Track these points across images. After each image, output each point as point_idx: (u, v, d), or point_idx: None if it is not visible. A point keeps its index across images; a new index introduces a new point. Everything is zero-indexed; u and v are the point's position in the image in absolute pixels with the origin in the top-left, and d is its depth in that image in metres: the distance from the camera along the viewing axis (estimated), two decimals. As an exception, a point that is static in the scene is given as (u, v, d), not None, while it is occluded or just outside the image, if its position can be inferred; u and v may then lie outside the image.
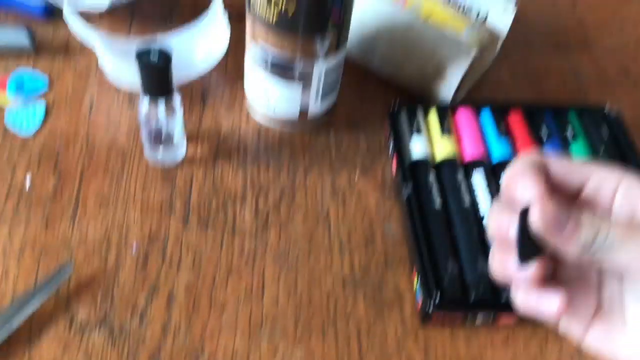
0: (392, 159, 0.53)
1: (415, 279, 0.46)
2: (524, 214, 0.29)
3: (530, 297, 0.30)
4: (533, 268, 0.29)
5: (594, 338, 0.30)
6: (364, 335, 0.44)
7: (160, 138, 0.50)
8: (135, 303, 0.44)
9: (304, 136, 0.56)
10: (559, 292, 0.29)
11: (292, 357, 0.43)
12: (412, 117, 0.54)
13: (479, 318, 0.44)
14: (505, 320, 0.45)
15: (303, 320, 0.45)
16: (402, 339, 0.44)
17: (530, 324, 0.46)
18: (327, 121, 0.57)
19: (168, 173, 0.52)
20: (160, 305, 0.44)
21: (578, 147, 0.54)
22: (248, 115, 0.57)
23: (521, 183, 0.29)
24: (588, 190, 0.30)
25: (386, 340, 0.44)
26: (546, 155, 0.30)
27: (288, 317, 0.45)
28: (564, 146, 0.54)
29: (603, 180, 0.29)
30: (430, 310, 0.43)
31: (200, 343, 0.43)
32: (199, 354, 0.42)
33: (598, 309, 0.31)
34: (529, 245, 0.29)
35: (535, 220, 0.28)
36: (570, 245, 0.27)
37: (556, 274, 0.31)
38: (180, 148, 0.52)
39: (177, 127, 0.50)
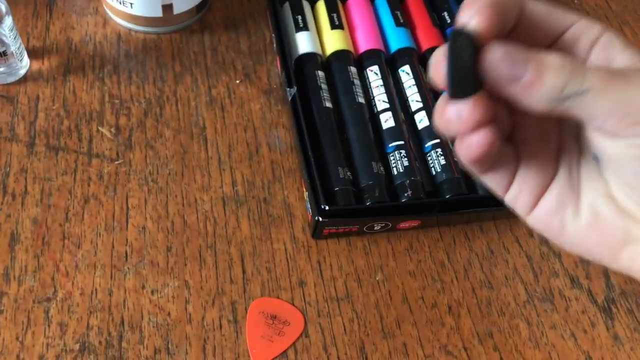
0: (277, 58, 0.46)
1: (305, 190, 0.40)
2: (457, 36, 0.22)
3: (463, 143, 0.23)
4: (467, 106, 0.22)
5: (541, 212, 0.25)
6: (248, 258, 0.39)
7: (-10, 51, 0.42)
8: (-31, 247, 0.37)
9: (173, 39, 0.48)
10: (486, 130, 0.23)
11: (164, 289, 0.37)
12: (297, 11, 0.47)
13: (378, 225, 0.39)
14: (407, 224, 0.40)
15: (176, 248, 0.38)
16: (293, 257, 0.39)
17: (436, 228, 0.41)
18: (201, 20, 0.49)
19: (7, 92, 0.43)
20: (2, 247, 0.37)
21: (484, 31, 0.48)
22: (105, 18, 0.48)
23: (468, 10, 0.22)
24: (565, 39, 0.24)
25: (274, 260, 0.39)
26: None
27: (158, 246, 0.38)
28: (468, 31, 0.48)
29: (583, 30, 0.24)
30: (320, 222, 0.38)
31: (52, 285, 0.36)
32: (51, 296, 0.36)
33: (552, 180, 0.25)
34: (464, 76, 0.22)
35: (485, 61, 0.21)
36: (530, 97, 0.21)
37: (511, 134, 0.26)
38: (20, 62, 0.44)
39: (9, 35, 0.42)
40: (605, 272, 0.40)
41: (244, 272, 0.38)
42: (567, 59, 0.22)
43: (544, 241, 0.41)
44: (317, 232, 0.39)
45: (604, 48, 0.24)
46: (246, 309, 0.37)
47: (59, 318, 0.35)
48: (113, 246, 0.38)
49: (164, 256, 0.38)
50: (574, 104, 0.21)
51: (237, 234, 0.39)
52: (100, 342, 0.35)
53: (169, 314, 0.36)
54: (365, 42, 0.46)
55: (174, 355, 0.35)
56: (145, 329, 0.35)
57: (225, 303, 0.37)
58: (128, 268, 0.37)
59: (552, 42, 0.25)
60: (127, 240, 0.38)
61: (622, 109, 0.21)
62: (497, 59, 0.22)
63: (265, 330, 0.36)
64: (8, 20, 0.41)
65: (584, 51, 0.24)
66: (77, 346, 0.35)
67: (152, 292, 0.37)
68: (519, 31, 0.24)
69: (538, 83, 0.21)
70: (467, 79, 0.22)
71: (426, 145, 0.42)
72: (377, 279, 0.39)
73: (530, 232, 0.41)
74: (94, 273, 0.37)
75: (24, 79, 0.44)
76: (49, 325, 0.35)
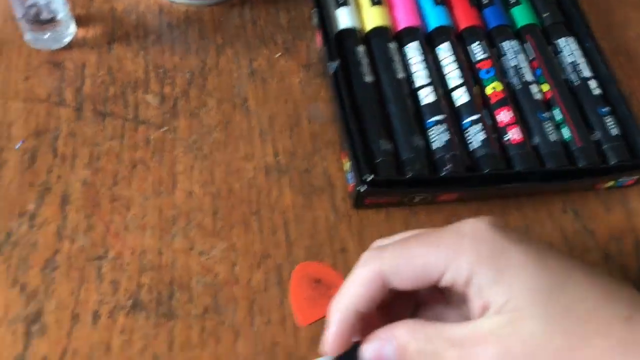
0: (317, 32, 0.47)
1: (346, 161, 0.41)
2: None
3: None
4: None
5: None
6: (291, 224, 0.40)
7: (39, 17, 0.42)
8: (23, 206, 0.38)
9: (214, 12, 0.48)
10: None
11: (212, 251, 0.38)
12: (337, -14, 0.48)
13: (417, 197, 0.40)
14: (445, 197, 0.41)
15: (222, 213, 0.40)
16: (334, 225, 0.40)
17: (473, 202, 0.42)
18: (241, -5, 0.50)
19: (55, 59, 0.44)
20: (53, 207, 0.38)
21: (520, 12, 0.49)
22: (148, -10, 0.49)
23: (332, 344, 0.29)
24: (444, 284, 0.28)
25: (316, 228, 0.40)
26: (385, 264, 0.28)
27: (205, 210, 0.39)
28: (504, 11, 0.49)
29: (454, 276, 0.27)
30: (362, 192, 0.39)
31: (103, 244, 0.37)
32: (102, 255, 0.37)
33: None
34: None
35: None
36: None
37: None
38: (67, 29, 0.44)
39: (58, 2, 0.42)
40: (637, 248, 0.41)
41: (287, 237, 0.39)
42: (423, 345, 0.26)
43: (578, 217, 0.42)
44: (358, 202, 0.40)
45: (477, 292, 0.26)
46: (290, 273, 0.38)
47: (111, 276, 0.36)
48: (161, 210, 0.39)
49: (210, 220, 0.39)
50: None
51: (280, 202, 0.41)
52: (150, 300, 0.36)
53: (216, 275, 0.37)
54: (404, 19, 0.47)
55: (222, 315, 0.36)
56: (194, 288, 0.37)
57: (271, 266, 0.38)
58: (176, 230, 0.38)
59: (432, 289, 0.28)
60: (174, 204, 0.39)
61: None
62: None
63: (309, 292, 0.37)
64: (59, -13, 0.42)
65: (462, 294, 0.27)
66: (129, 303, 0.36)
67: (200, 254, 0.38)
68: (397, 296, 0.29)
69: None
70: None
71: (465, 122, 0.43)
72: (416, 248, 0.40)
73: (564, 209, 0.42)
74: (143, 235, 0.38)
75: (70, 46, 0.45)
76: (101, 283, 0.36)
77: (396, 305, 0.30)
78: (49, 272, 0.36)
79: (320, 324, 0.36)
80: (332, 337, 0.28)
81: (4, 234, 0.37)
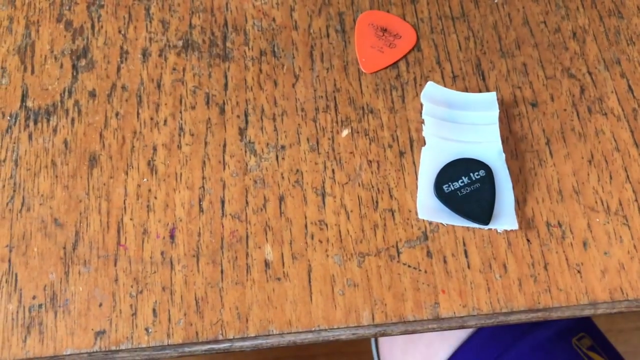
0: None
1: None
2: None
3: None
4: None
5: None
6: (355, -24, 0.36)
7: None
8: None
9: None
10: None
11: None
12: None
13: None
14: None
15: (278, -40, 0.36)
16: (403, -22, 0.36)
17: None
18: None
19: None
20: (96, -53, 0.35)
21: None
22: None
23: None
24: None
25: (383, -19, 0.36)
26: None
27: (259, -43, 0.36)
28: None
29: None
30: None
31: (151, -13, 0.34)
32: (150, -2, 0.34)
33: None
34: None
35: None
36: None
37: None
38: None
39: None
40: None
41: (350, -13, 0.35)
42: None
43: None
44: (431, -50, 0.36)
45: None
46: (354, 20, 0.34)
47: (160, 16, 0.34)
48: (212, -47, 0.35)
49: (266, -34, 0.35)
50: None
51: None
52: (204, 41, 0.33)
53: (273, 19, 0.34)
54: None
55: (281, 59, 0.33)
56: (249, 32, 0.34)
57: (333, 13, 0.34)
58: (229, -25, 0.35)
59: None
60: (226, -52, 0.36)
61: None
62: None
63: (375, 41, 0.34)
64: None
65: None
66: (180, 43, 0.33)
67: (256, -2, 0.34)
68: None
69: None
70: None
71: None
72: (495, 1, 0.35)
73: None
74: (194, -22, 0.35)
75: None
76: (150, 22, 0.34)
77: None
78: (95, 9, 0.34)
79: (385, 72, 0.33)
80: None
81: (46, -28, 0.34)
